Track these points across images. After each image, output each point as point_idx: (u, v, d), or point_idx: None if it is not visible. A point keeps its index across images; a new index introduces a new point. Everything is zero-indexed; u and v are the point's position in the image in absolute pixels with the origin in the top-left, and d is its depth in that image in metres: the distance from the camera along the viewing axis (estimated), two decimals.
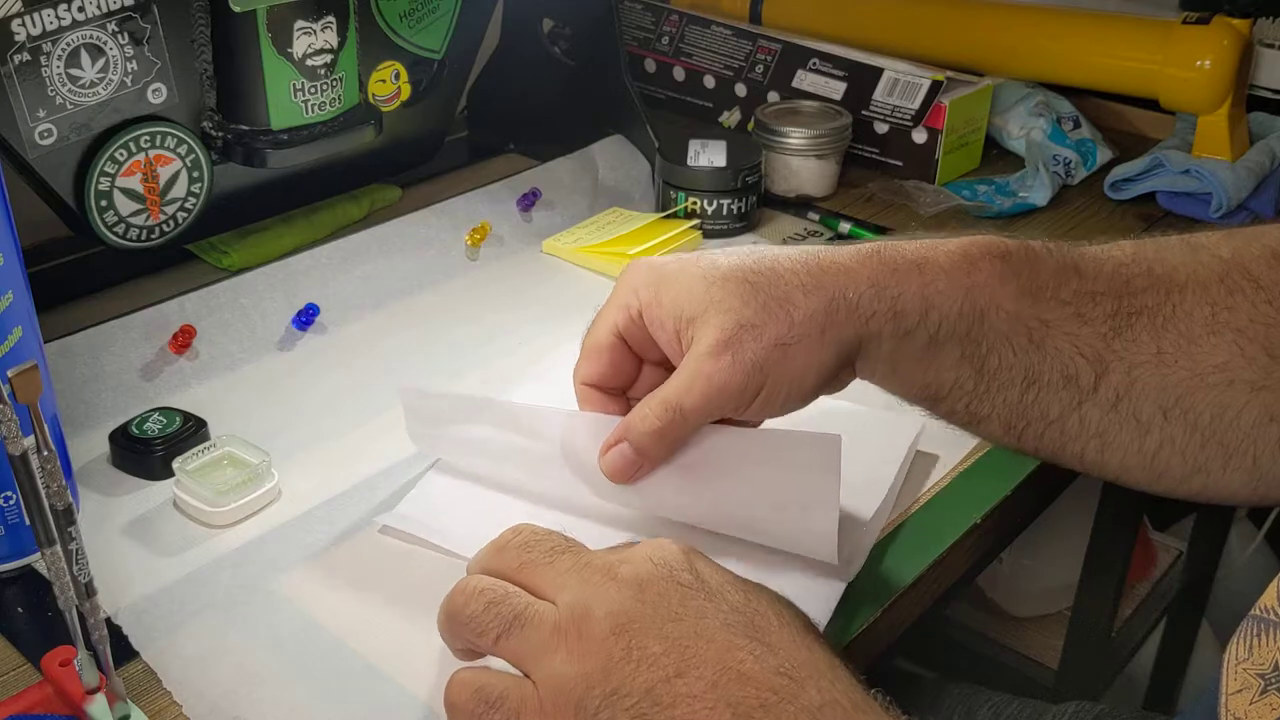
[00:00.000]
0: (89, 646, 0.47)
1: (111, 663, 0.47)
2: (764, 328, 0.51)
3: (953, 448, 0.67)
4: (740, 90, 1.11)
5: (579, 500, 0.59)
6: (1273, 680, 0.43)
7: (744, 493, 0.55)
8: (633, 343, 0.57)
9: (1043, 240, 0.55)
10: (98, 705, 0.48)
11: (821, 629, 0.49)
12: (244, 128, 0.78)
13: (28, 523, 0.43)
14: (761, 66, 1.09)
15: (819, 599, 0.55)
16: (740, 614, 0.45)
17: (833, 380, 0.54)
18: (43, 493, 0.42)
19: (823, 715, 0.42)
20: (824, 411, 0.58)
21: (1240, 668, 0.46)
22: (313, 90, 0.78)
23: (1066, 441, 0.54)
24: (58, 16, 0.67)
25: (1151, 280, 0.54)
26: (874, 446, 0.62)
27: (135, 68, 0.72)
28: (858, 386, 0.57)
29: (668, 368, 0.56)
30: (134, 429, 0.65)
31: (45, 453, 0.41)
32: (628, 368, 0.58)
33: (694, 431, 0.54)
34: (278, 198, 0.86)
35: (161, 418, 0.66)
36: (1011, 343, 0.53)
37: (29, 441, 0.41)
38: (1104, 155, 1.04)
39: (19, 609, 0.56)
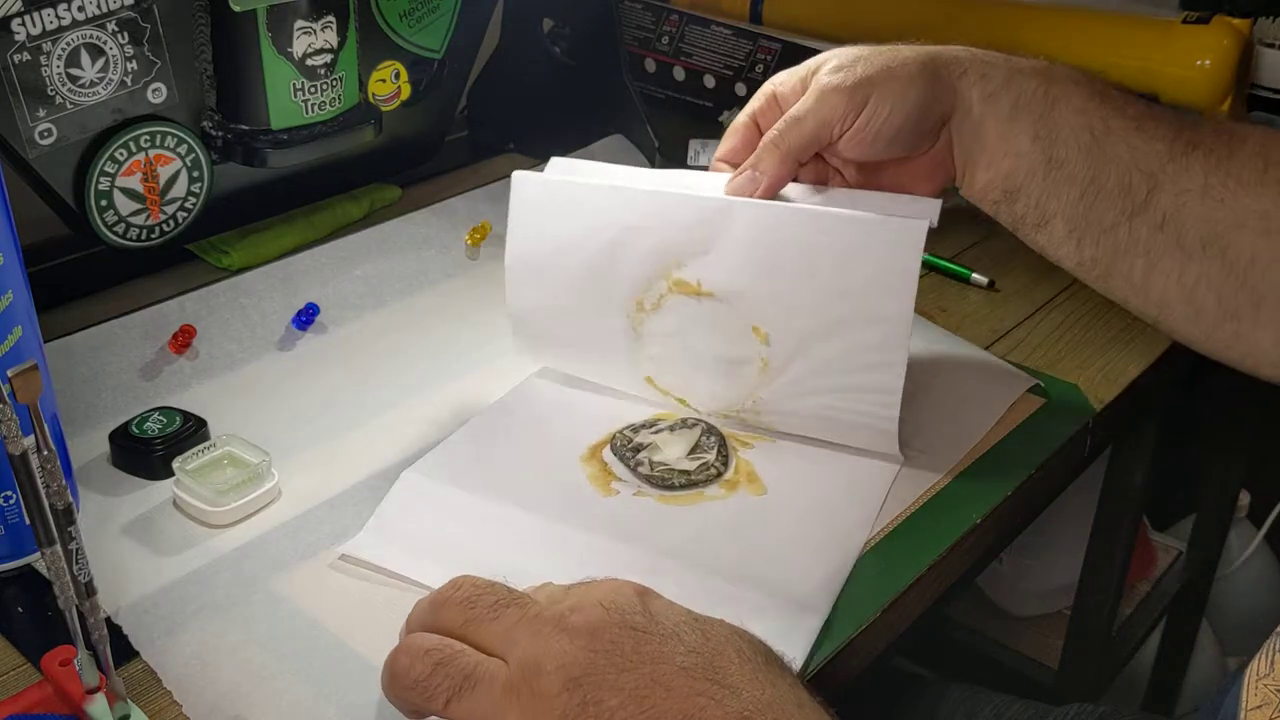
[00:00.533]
0: (89, 646, 0.47)
1: (111, 662, 0.47)
2: (875, 58, 0.63)
3: (950, 450, 0.67)
4: (740, 90, 1.11)
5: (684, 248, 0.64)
6: None
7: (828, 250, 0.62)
8: (764, 125, 0.65)
9: None
10: (98, 705, 0.48)
11: (798, 669, 0.48)
12: (244, 127, 0.78)
13: (28, 522, 0.43)
14: (762, 66, 1.09)
15: (793, 642, 0.52)
16: (698, 655, 0.43)
17: (927, 120, 0.63)
18: (43, 492, 0.42)
19: None
20: (809, 462, 0.65)
21: (1261, 683, 0.47)
22: (313, 90, 0.78)
23: (1118, 254, 0.62)
24: (58, 16, 0.67)
25: (1216, 127, 0.61)
26: (851, 490, 0.63)
27: (135, 67, 0.72)
28: None
29: None
30: (134, 429, 0.65)
31: (45, 452, 0.41)
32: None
33: (809, 142, 0.63)
34: (278, 197, 0.86)
35: (161, 417, 0.66)
36: (1077, 138, 0.62)
37: (29, 441, 0.41)
38: None
39: (19, 609, 0.56)
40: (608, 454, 0.66)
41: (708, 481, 0.63)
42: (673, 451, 0.65)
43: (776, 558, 0.58)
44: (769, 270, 0.63)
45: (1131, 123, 0.61)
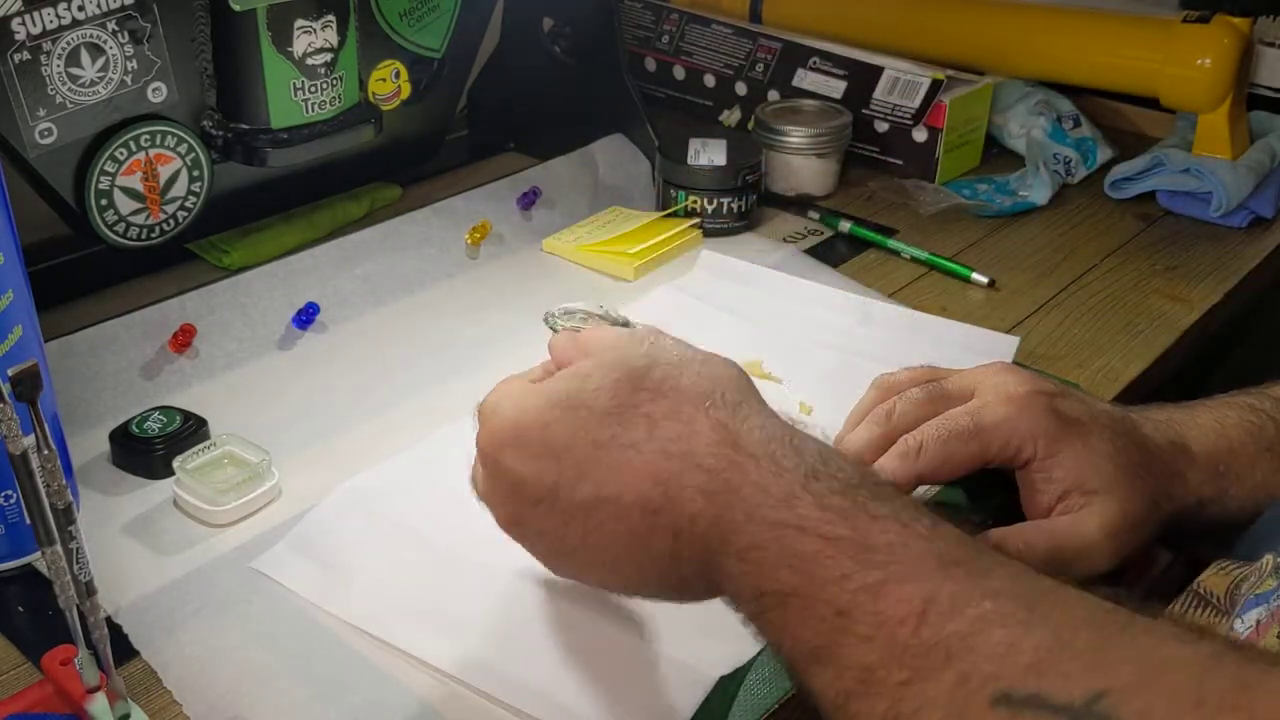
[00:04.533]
0: (89, 645, 0.47)
1: (112, 662, 0.47)
2: (1144, 525, 0.57)
3: None
4: (740, 89, 1.11)
5: None
6: None
7: None
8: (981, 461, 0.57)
9: None
10: (98, 704, 0.48)
11: (685, 716, 0.49)
12: (244, 127, 0.78)
13: (28, 522, 0.43)
14: (762, 65, 1.09)
15: (690, 683, 0.50)
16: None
17: None
18: (43, 492, 0.42)
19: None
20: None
21: None
22: (313, 89, 0.78)
23: None
24: (58, 15, 0.67)
25: None
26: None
27: (135, 67, 0.72)
28: None
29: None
30: (134, 428, 0.65)
31: (45, 452, 0.41)
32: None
33: None
34: (278, 197, 0.86)
35: (162, 416, 0.66)
36: None
37: (29, 440, 0.41)
38: (1104, 154, 1.04)
39: (19, 608, 0.56)
40: None
41: None
42: None
43: (695, 612, 0.53)
44: (845, 389, 0.65)
45: None
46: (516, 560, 0.57)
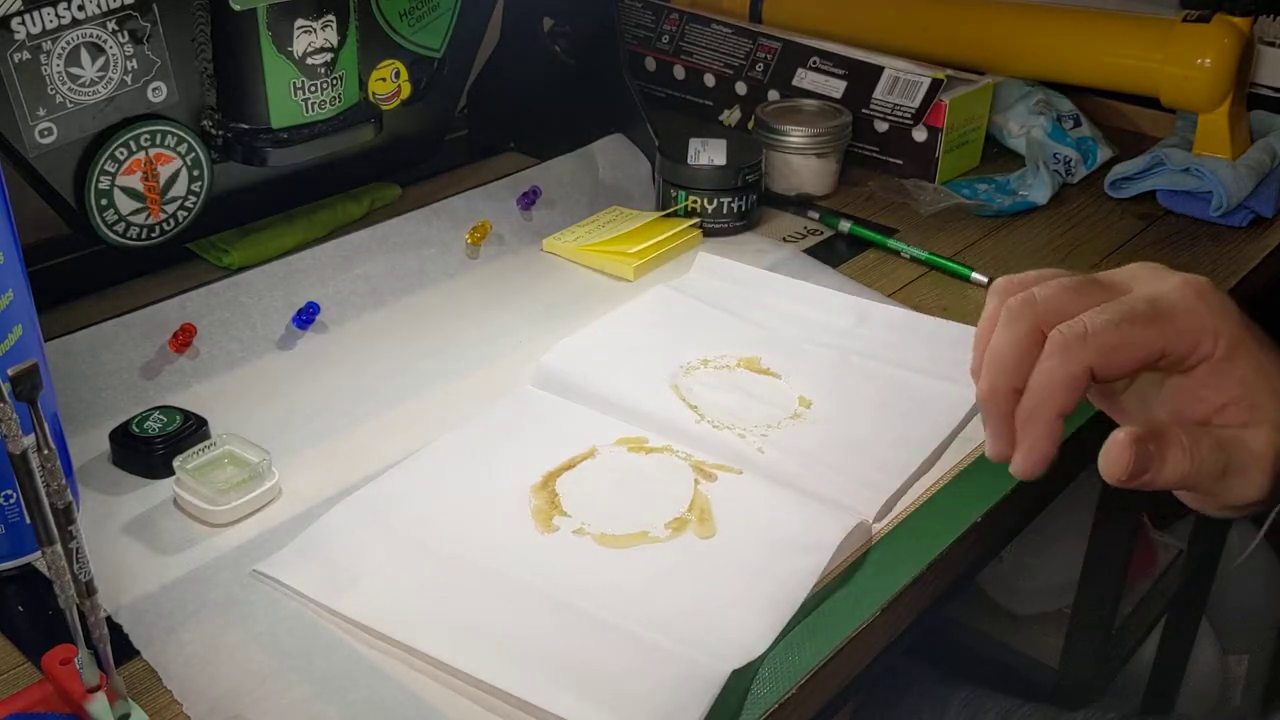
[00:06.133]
0: (89, 645, 0.47)
1: (112, 661, 0.47)
2: None
3: (952, 449, 0.67)
4: (740, 88, 1.11)
5: None
6: None
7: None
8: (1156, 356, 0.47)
9: None
10: (98, 704, 0.48)
11: (695, 718, 0.48)
12: (244, 126, 0.78)
13: (28, 521, 0.43)
14: (762, 65, 1.09)
15: (692, 690, 0.50)
16: None
17: None
18: (43, 491, 0.42)
19: None
20: (770, 500, 0.62)
21: None
22: (313, 89, 0.78)
23: None
24: (58, 15, 0.67)
25: None
26: (805, 535, 0.59)
27: (135, 66, 0.72)
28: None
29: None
30: (134, 427, 0.65)
31: (45, 451, 0.41)
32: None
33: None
34: (278, 196, 0.86)
35: (162, 416, 0.66)
36: None
37: (29, 440, 0.41)
38: (1104, 153, 1.04)
39: (19, 608, 0.56)
40: (561, 484, 0.63)
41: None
42: None
43: (702, 610, 0.55)
44: (845, 385, 0.68)
45: None
46: (527, 564, 0.58)
